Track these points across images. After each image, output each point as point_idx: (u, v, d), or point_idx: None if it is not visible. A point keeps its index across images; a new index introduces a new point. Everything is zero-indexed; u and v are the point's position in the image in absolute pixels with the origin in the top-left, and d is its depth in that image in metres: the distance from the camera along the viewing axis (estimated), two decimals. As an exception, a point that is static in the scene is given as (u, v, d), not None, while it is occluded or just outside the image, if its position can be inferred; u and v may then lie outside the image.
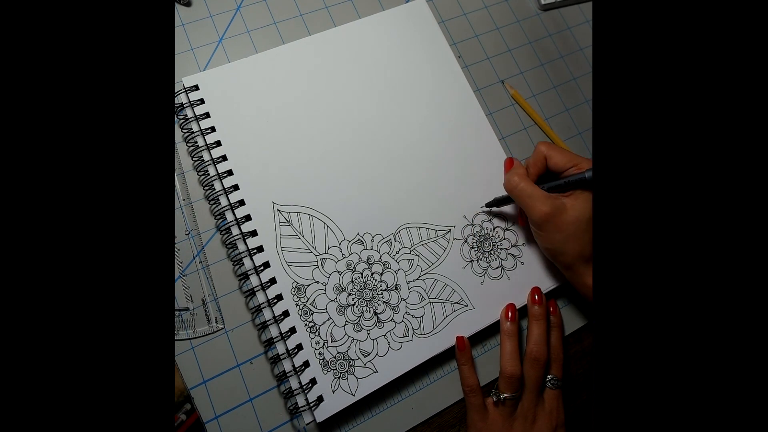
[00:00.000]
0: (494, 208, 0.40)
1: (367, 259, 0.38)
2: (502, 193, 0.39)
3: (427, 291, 0.38)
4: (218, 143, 0.38)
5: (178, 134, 0.40)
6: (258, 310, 0.36)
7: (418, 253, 0.39)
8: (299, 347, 0.35)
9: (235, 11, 0.44)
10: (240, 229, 0.37)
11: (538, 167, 0.37)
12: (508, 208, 0.41)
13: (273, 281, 0.36)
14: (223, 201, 0.37)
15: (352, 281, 0.37)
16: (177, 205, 0.38)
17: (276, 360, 0.35)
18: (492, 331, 0.39)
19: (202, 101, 0.39)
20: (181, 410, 0.34)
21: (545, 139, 0.46)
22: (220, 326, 0.36)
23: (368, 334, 0.36)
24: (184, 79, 0.40)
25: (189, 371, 0.35)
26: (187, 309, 0.36)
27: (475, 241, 0.40)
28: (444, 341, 0.37)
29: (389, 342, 0.36)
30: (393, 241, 0.38)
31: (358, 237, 0.38)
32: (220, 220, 0.38)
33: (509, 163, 0.40)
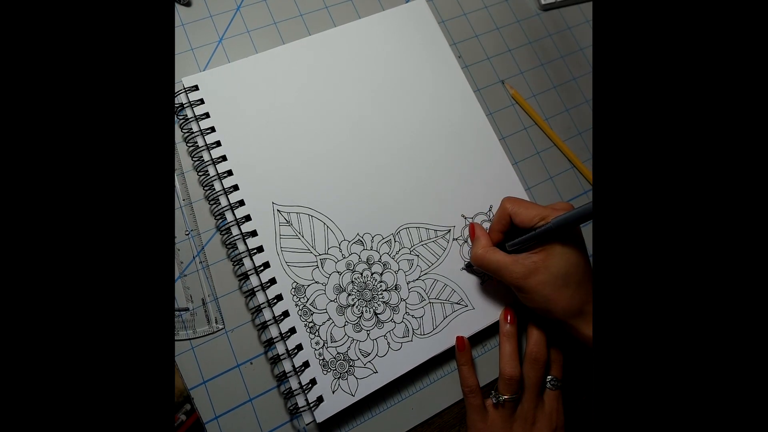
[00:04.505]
0: (474, 269, 0.39)
1: (367, 260, 0.38)
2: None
3: (426, 291, 0.38)
4: (218, 143, 0.38)
5: (178, 134, 0.40)
6: (258, 310, 0.36)
7: (417, 254, 0.39)
8: (299, 347, 0.35)
9: (235, 11, 0.44)
10: (240, 229, 0.37)
11: (502, 224, 0.36)
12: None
13: (273, 281, 0.36)
14: (223, 201, 0.37)
15: (352, 281, 0.37)
16: (177, 205, 0.38)
17: (276, 360, 0.35)
18: (492, 331, 0.39)
19: (201, 101, 0.39)
20: (181, 410, 0.34)
21: (545, 140, 0.46)
22: (220, 326, 0.36)
23: (368, 334, 0.36)
24: (184, 79, 0.40)
25: (189, 371, 0.35)
26: (187, 309, 0.36)
27: (475, 241, 0.40)
28: (444, 341, 0.37)
29: (389, 342, 0.36)
30: (393, 241, 0.38)
31: (357, 237, 0.38)
32: (220, 220, 0.38)
33: (472, 232, 0.39)
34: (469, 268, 0.39)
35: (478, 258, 0.36)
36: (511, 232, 0.36)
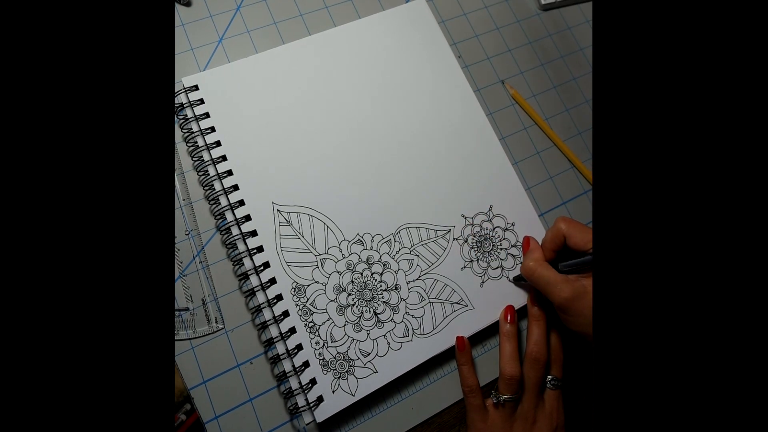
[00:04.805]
0: (523, 282, 0.39)
1: (367, 260, 0.38)
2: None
3: (426, 291, 0.38)
4: (218, 143, 0.38)
5: (178, 134, 0.40)
6: (258, 310, 0.36)
7: (417, 253, 0.39)
8: (299, 347, 0.35)
9: (235, 11, 0.44)
10: (240, 229, 0.37)
11: (556, 244, 0.36)
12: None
13: (273, 281, 0.36)
14: (223, 201, 0.37)
15: (352, 281, 0.37)
16: (177, 205, 0.38)
17: (276, 360, 0.35)
18: (492, 331, 0.39)
19: (201, 101, 0.39)
20: (181, 410, 0.34)
21: (545, 140, 0.46)
22: (220, 326, 0.36)
23: (368, 334, 0.36)
24: (184, 79, 0.40)
25: (189, 371, 0.35)
26: (187, 309, 0.36)
27: (474, 241, 0.40)
28: (444, 341, 0.37)
29: (389, 342, 0.36)
30: (393, 241, 0.38)
31: (357, 237, 0.38)
32: (220, 220, 0.38)
33: (526, 243, 0.39)
34: (518, 281, 0.39)
35: (528, 270, 0.36)
36: (562, 252, 0.36)
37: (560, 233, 0.35)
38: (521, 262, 0.39)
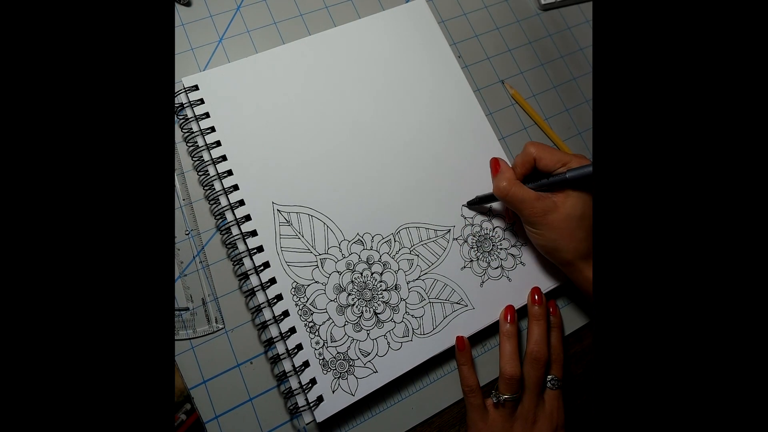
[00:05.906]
0: (476, 206, 0.41)
1: (367, 259, 0.38)
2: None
3: (426, 291, 0.38)
4: (218, 143, 0.38)
5: (178, 134, 0.40)
6: (258, 310, 0.36)
7: (417, 253, 0.39)
8: (299, 347, 0.35)
9: (235, 11, 0.44)
10: (240, 229, 0.37)
11: (526, 167, 0.37)
12: (496, 205, 0.41)
13: (273, 281, 0.36)
14: (223, 201, 0.37)
15: (352, 281, 0.37)
16: (177, 205, 0.38)
17: (276, 360, 0.35)
18: (492, 331, 0.39)
19: (201, 101, 0.39)
20: (181, 410, 0.34)
21: (545, 140, 0.46)
22: (220, 326, 0.36)
23: (368, 334, 0.36)
24: (183, 79, 0.40)
25: (189, 371, 0.35)
26: (187, 309, 0.36)
27: (474, 241, 0.40)
28: (444, 341, 0.37)
29: (389, 342, 0.36)
30: (393, 241, 0.38)
31: (357, 237, 0.38)
32: (220, 220, 0.38)
33: (495, 165, 0.40)
34: (472, 204, 0.40)
35: (503, 190, 0.36)
36: (530, 176, 0.38)
37: (531, 156, 0.36)
38: (493, 184, 0.39)
